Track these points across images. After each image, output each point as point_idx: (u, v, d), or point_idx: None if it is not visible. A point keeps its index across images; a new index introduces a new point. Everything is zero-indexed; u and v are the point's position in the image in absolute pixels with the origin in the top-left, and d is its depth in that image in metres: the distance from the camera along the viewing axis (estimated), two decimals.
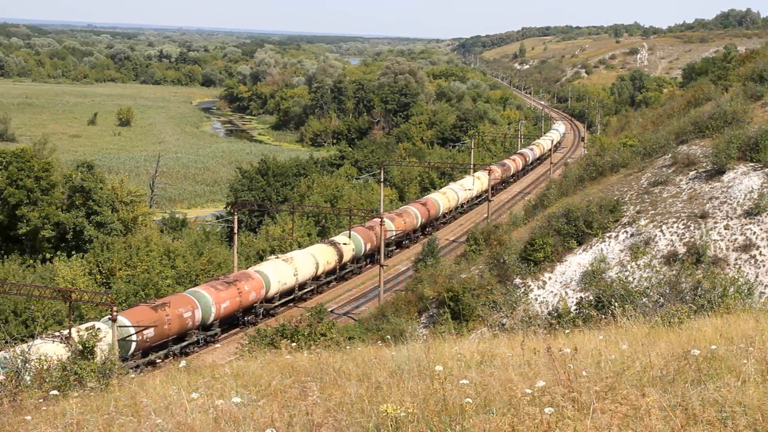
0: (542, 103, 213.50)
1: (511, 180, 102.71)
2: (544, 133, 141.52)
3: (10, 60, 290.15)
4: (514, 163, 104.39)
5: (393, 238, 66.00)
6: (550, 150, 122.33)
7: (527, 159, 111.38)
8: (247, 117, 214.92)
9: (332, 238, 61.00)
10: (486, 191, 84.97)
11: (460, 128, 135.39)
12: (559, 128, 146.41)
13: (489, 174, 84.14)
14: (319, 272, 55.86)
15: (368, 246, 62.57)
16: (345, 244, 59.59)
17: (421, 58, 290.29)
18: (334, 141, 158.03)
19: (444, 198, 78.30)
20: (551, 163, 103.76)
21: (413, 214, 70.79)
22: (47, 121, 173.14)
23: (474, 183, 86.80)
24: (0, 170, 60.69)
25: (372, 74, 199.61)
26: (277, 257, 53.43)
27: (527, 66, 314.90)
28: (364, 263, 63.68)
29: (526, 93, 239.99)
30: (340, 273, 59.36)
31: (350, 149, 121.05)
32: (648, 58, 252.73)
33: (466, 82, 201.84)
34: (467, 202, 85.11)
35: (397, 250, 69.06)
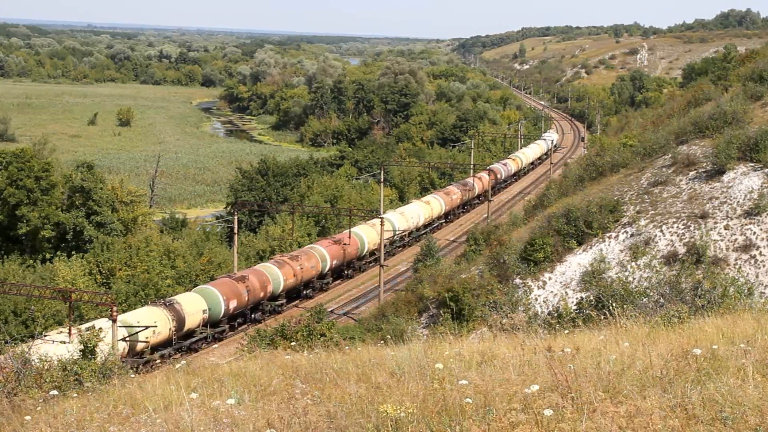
0: (542, 103, 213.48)
1: (476, 201, 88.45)
2: (523, 145, 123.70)
3: (10, 60, 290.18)
4: (480, 182, 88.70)
5: (281, 291, 51.66)
6: (532, 164, 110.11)
7: (499, 176, 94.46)
8: (247, 117, 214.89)
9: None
10: (439, 217, 77.22)
11: (460, 128, 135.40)
12: (550, 137, 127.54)
13: (449, 195, 76.48)
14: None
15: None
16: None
17: (421, 59, 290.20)
18: (334, 141, 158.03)
19: (370, 231, 63.31)
20: (551, 163, 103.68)
21: (317, 256, 56.51)
22: (47, 121, 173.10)
23: (418, 210, 72.90)
24: (0, 170, 60.68)
25: (372, 74, 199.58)
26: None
27: (527, 66, 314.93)
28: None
29: (526, 93, 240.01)
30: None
31: (350, 149, 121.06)
32: (648, 59, 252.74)
33: (466, 83, 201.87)
34: (410, 233, 71.68)
35: (271, 318, 49.69)
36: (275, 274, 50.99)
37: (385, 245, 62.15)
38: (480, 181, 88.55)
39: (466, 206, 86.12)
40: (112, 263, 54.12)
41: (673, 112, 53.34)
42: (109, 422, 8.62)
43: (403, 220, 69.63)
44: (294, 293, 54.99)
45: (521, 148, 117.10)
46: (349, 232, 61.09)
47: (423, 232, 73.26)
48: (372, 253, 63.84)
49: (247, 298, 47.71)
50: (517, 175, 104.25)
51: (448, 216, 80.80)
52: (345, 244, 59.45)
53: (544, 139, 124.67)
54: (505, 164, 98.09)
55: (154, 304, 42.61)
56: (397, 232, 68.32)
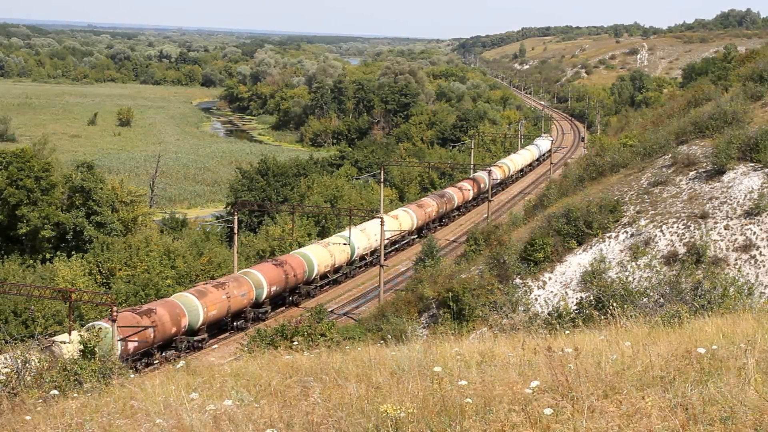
0: (542, 103, 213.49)
1: (454, 214, 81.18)
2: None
3: (10, 60, 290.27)
4: (460, 193, 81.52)
5: (200, 324, 44.27)
6: (521, 171, 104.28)
7: (482, 185, 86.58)
8: (247, 117, 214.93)
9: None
10: (410, 232, 69.98)
11: (460, 128, 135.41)
12: (542, 143, 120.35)
13: (423, 207, 70.21)
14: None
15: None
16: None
17: (421, 58, 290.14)
18: (334, 141, 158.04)
19: (321, 252, 56.29)
20: (551, 163, 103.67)
21: (250, 282, 48.52)
22: (47, 121, 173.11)
23: (370, 232, 62.71)
24: (0, 170, 60.69)
25: (372, 74, 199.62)
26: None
27: (527, 66, 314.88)
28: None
29: (526, 93, 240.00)
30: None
31: (350, 149, 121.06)
32: (648, 59, 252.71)
33: (466, 83, 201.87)
34: (368, 252, 63.54)
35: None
36: (193, 306, 43.66)
37: (340, 267, 57.78)
38: (460, 192, 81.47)
39: (444, 219, 78.55)
40: (112, 263, 54.14)
41: (673, 112, 53.34)
42: (109, 422, 8.62)
43: (364, 237, 61.93)
44: (219, 326, 47.86)
45: (511, 153, 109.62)
46: (295, 253, 55.09)
47: (390, 250, 65.97)
48: (324, 276, 56.79)
49: (153, 335, 40.28)
50: (504, 184, 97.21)
51: (422, 231, 72.91)
52: (288, 267, 51.93)
53: (536, 145, 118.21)
54: (489, 172, 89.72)
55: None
56: (357, 251, 60.80)
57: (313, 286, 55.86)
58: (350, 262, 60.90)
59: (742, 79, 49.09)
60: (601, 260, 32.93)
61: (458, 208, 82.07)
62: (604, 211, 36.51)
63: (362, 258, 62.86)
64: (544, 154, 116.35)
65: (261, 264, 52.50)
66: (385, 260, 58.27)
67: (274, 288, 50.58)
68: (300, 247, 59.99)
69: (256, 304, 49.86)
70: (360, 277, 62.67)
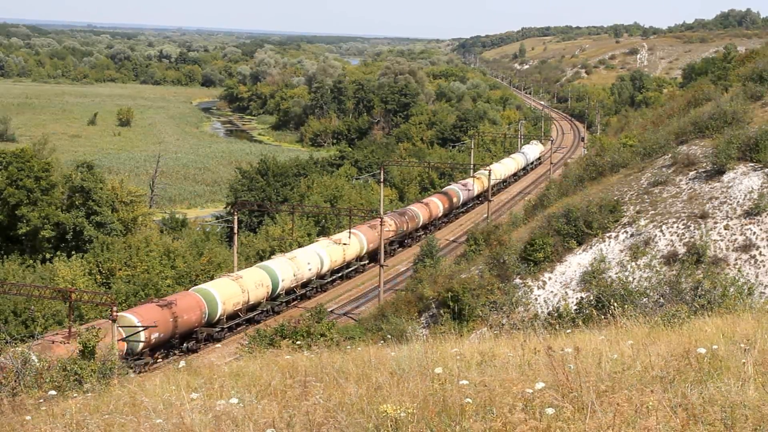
0: (542, 103, 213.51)
1: (419, 234, 71.10)
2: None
3: (10, 60, 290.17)
4: (426, 209, 72.50)
5: None
6: (505, 182, 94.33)
7: (455, 200, 79.33)
8: (247, 117, 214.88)
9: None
10: (359, 257, 61.54)
11: (460, 128, 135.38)
12: (529, 151, 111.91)
13: (376, 228, 59.21)
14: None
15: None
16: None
17: (421, 58, 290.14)
18: (334, 141, 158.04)
19: (229, 287, 46.58)
20: (551, 163, 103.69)
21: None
22: (47, 121, 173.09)
23: (320, 253, 56.11)
24: (0, 170, 60.69)
25: (372, 74, 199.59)
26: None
27: (527, 66, 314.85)
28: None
29: (526, 93, 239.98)
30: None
31: (350, 149, 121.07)
32: (648, 59, 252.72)
33: (466, 82, 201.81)
34: (305, 283, 54.87)
35: None
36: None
37: (257, 304, 48.96)
38: (427, 208, 72.64)
39: (407, 239, 69.23)
40: (112, 263, 54.13)
41: (673, 112, 53.32)
42: (110, 422, 8.63)
43: (290, 267, 52.07)
44: None
45: (493, 162, 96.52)
46: (194, 290, 45.79)
47: (329, 279, 57.91)
48: (235, 314, 47.16)
49: None
50: (483, 197, 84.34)
51: (376, 255, 60.31)
52: (178, 309, 42.28)
53: (523, 153, 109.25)
54: (465, 185, 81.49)
55: None
56: (281, 284, 50.94)
57: (218, 329, 45.54)
58: (272, 297, 50.95)
59: (742, 79, 49.08)
60: (601, 260, 32.94)
61: (425, 227, 72.62)
62: (604, 211, 36.51)
63: (289, 292, 53.05)
64: (532, 163, 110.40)
65: (141, 306, 41.58)
66: (316, 294, 53.70)
67: (157, 335, 40.40)
68: (300, 246, 59.82)
69: (131, 353, 38.97)
70: (360, 277, 62.67)
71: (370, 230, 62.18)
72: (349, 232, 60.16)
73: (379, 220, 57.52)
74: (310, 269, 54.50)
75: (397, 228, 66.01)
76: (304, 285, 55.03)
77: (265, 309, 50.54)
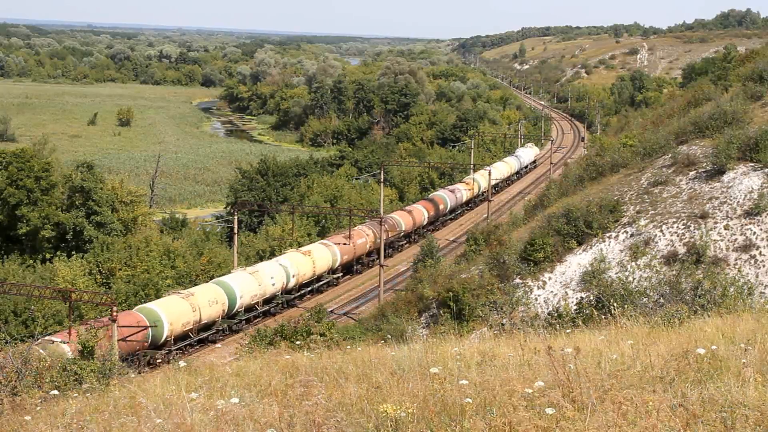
0: (542, 103, 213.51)
1: (403, 243, 68.54)
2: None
3: (10, 60, 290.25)
4: (409, 217, 68.51)
5: None
6: (496, 187, 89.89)
7: (442, 206, 75.86)
8: (247, 117, 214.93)
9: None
10: (334, 269, 57.58)
11: (460, 128, 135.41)
12: (523, 154, 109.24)
13: (350, 239, 57.81)
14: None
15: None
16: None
17: (421, 58, 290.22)
18: (334, 141, 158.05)
19: (181, 306, 42.76)
20: (551, 163, 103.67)
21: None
22: (47, 121, 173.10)
23: (286, 266, 52.02)
24: (0, 170, 60.70)
25: (372, 74, 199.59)
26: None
27: (527, 66, 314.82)
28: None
29: (526, 93, 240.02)
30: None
31: (350, 149, 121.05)
32: (648, 58, 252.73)
33: (466, 82, 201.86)
34: (269, 299, 51.05)
35: None
36: None
37: (213, 323, 45.31)
38: (409, 216, 68.59)
39: (387, 249, 63.49)
40: (112, 263, 54.14)
41: (673, 112, 53.32)
42: (110, 422, 8.62)
43: (251, 282, 48.22)
44: None
45: (484, 167, 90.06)
46: (137, 309, 41.88)
47: (295, 295, 53.81)
48: (185, 336, 43.40)
49: None
50: (472, 203, 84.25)
51: (352, 266, 60.33)
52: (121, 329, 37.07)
53: (517, 156, 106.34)
54: (453, 191, 78.25)
55: None
56: (239, 301, 47.03)
57: (164, 351, 41.75)
58: (230, 315, 47.24)
59: (742, 79, 49.07)
60: (601, 260, 32.94)
61: (407, 236, 69.24)
62: (604, 211, 36.51)
63: (250, 309, 49.13)
64: (526, 166, 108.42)
65: (63, 333, 36.67)
66: (283, 310, 50.46)
67: None
68: (300, 246, 59.66)
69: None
70: (360, 277, 62.67)
71: (343, 240, 59.01)
72: (321, 243, 58.01)
73: (359, 228, 57.65)
74: (273, 284, 50.34)
75: (375, 238, 61.31)
76: (268, 301, 50.86)
77: (220, 328, 46.48)
